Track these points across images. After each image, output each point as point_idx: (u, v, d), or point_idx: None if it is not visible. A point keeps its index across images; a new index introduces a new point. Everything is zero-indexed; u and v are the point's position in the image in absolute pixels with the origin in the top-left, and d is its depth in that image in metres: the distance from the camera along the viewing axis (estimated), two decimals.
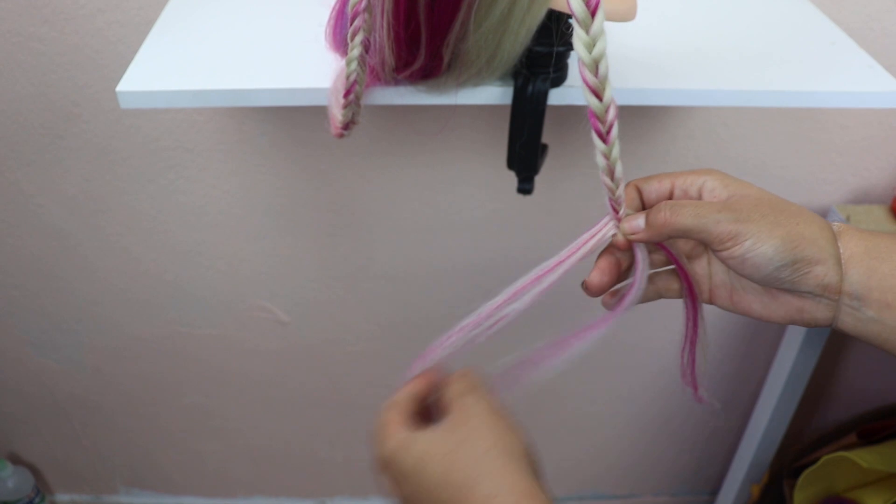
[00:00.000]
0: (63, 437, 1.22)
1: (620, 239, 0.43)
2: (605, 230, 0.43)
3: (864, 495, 0.95)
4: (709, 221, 0.39)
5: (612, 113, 0.36)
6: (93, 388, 1.12)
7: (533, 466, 0.40)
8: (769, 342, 1.05)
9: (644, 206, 0.45)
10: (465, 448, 0.39)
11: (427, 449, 0.40)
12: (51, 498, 1.33)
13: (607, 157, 0.38)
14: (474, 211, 0.88)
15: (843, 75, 0.55)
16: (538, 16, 0.46)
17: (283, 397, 1.13)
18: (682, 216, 0.40)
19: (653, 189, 0.44)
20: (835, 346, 1.05)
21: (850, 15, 0.73)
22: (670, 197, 0.44)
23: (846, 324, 0.41)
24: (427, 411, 0.44)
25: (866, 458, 0.89)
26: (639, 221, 0.42)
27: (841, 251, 0.40)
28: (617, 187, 0.40)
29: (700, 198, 0.43)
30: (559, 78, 0.52)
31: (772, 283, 0.41)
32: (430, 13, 0.45)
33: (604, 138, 0.37)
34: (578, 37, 0.34)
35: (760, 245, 0.38)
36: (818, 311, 0.41)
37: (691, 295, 0.45)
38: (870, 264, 0.39)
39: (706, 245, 0.41)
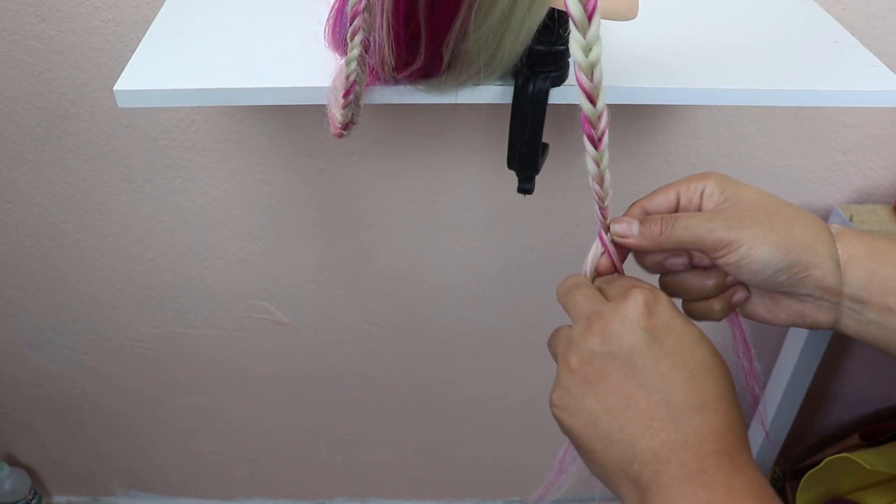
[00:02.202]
0: (60, 438, 1.21)
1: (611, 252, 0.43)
2: (594, 249, 0.43)
3: (866, 497, 0.94)
4: (701, 232, 0.40)
5: (604, 119, 0.36)
6: (90, 389, 1.12)
7: (729, 386, 0.39)
8: (772, 344, 1.05)
9: None
10: (725, 378, 0.37)
11: (706, 340, 0.37)
12: (48, 500, 1.33)
13: (598, 163, 0.38)
14: (474, 210, 0.88)
15: (846, 74, 0.55)
16: (539, 15, 0.46)
17: (282, 398, 1.12)
18: (675, 229, 0.40)
19: (658, 203, 0.44)
20: (837, 347, 1.05)
21: (852, 13, 0.72)
22: (676, 208, 0.44)
23: (848, 327, 0.41)
24: None
25: (869, 459, 0.88)
26: (632, 227, 0.42)
27: (839, 254, 0.40)
28: (606, 195, 0.40)
29: (700, 204, 0.43)
30: (560, 77, 0.52)
31: (772, 287, 0.41)
32: (430, 12, 0.45)
33: (595, 144, 0.37)
34: (575, 40, 0.34)
35: (755, 251, 0.39)
36: (819, 314, 0.41)
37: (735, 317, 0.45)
38: (869, 267, 0.39)
39: (703, 253, 0.42)
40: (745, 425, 0.37)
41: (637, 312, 0.36)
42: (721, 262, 0.40)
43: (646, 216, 0.43)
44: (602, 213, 0.41)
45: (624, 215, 0.44)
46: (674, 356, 0.36)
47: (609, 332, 0.37)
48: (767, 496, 0.33)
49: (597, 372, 0.36)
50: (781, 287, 0.40)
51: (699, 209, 0.43)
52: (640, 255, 0.45)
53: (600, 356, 0.37)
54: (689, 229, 0.40)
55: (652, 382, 0.35)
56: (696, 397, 0.35)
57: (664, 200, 0.44)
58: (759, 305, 0.44)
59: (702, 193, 0.43)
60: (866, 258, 0.39)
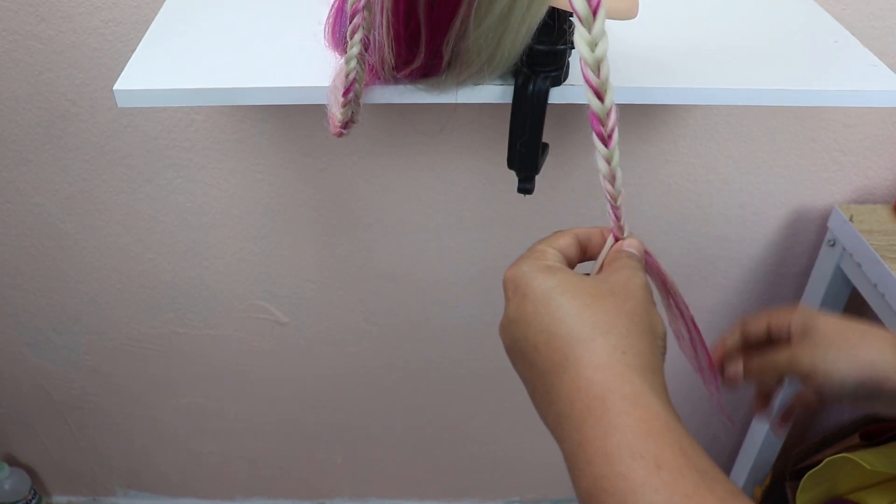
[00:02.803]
0: (60, 438, 1.21)
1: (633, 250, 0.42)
2: (606, 249, 0.42)
3: (867, 497, 0.94)
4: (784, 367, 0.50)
5: (614, 115, 0.35)
6: (90, 389, 1.12)
7: (663, 351, 0.36)
8: None
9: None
10: (612, 300, 0.35)
11: (572, 281, 0.36)
12: (48, 500, 1.33)
13: (609, 160, 0.37)
14: (474, 210, 0.88)
15: (846, 74, 0.55)
16: (539, 14, 0.46)
17: (281, 398, 1.12)
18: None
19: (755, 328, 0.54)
20: None
21: (852, 13, 0.72)
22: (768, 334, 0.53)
23: None
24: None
25: (869, 459, 0.88)
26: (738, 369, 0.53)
27: None
28: (619, 194, 0.39)
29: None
30: (560, 77, 0.52)
31: (861, 403, 0.49)
32: (430, 11, 0.45)
33: (605, 141, 0.36)
34: (581, 36, 0.33)
35: (829, 378, 0.47)
36: None
37: (667, 292, 0.44)
38: None
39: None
40: (645, 337, 0.34)
41: (508, 301, 0.37)
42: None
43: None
44: (615, 213, 0.40)
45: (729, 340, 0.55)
46: (533, 323, 0.35)
47: (502, 330, 0.38)
48: (655, 429, 0.30)
49: (515, 367, 0.38)
50: (866, 401, 0.47)
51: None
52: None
53: (509, 354, 0.38)
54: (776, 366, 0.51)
55: (532, 357, 0.35)
56: (558, 355, 0.33)
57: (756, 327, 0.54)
58: None
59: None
60: None
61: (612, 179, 0.38)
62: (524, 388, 0.38)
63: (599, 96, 0.35)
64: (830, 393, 0.47)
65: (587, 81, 0.34)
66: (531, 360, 0.35)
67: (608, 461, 0.30)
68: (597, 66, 0.34)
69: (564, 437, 0.32)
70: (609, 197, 0.39)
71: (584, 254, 0.41)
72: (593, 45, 0.33)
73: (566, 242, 0.40)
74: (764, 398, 0.58)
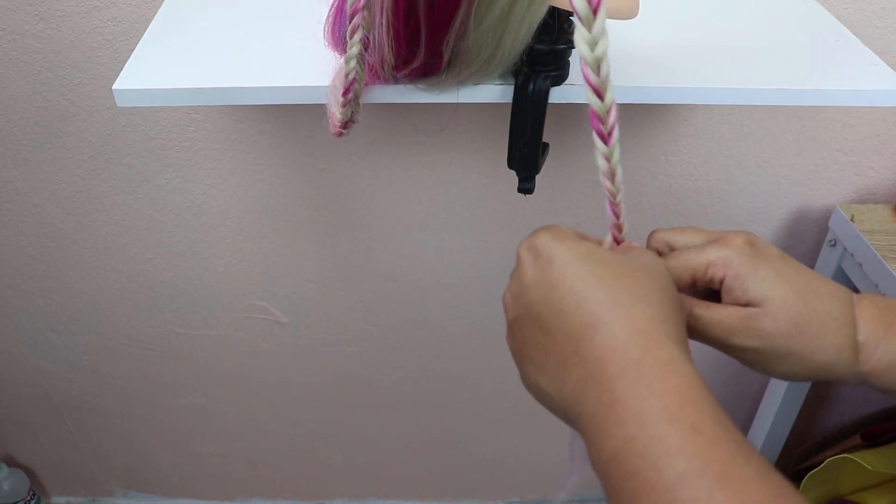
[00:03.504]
0: (59, 439, 1.21)
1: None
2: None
3: (868, 497, 0.94)
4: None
5: (613, 114, 0.35)
6: (89, 390, 1.12)
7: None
8: None
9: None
10: (645, 274, 0.34)
11: (600, 251, 0.35)
12: (47, 500, 1.33)
13: (609, 158, 0.37)
14: (474, 210, 0.88)
15: (847, 73, 0.55)
16: (539, 13, 0.46)
17: (281, 398, 1.12)
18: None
19: (686, 241, 0.43)
20: None
21: (854, 12, 0.72)
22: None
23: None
24: None
25: (870, 460, 0.88)
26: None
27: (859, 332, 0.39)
28: (618, 192, 0.39)
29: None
30: (560, 76, 0.51)
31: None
32: (430, 10, 0.45)
33: (605, 140, 0.36)
34: (581, 35, 0.33)
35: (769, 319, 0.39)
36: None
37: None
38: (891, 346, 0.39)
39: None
40: (677, 313, 0.34)
41: (525, 267, 0.36)
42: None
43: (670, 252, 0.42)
44: (614, 211, 0.40)
45: (648, 245, 0.44)
46: (560, 286, 0.34)
47: (512, 299, 0.37)
48: (691, 397, 0.29)
49: (519, 339, 0.36)
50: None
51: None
52: None
53: (515, 324, 0.37)
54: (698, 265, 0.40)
55: (552, 322, 0.34)
56: (590, 317, 0.32)
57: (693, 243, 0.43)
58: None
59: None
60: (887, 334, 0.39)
61: (611, 177, 0.38)
62: (524, 387, 0.37)
63: (599, 95, 0.35)
64: (768, 375, 0.41)
65: (587, 80, 0.34)
66: (550, 326, 0.34)
67: (642, 424, 0.29)
68: (597, 65, 0.34)
69: (587, 399, 0.31)
70: (609, 194, 0.39)
71: None
72: (593, 45, 0.33)
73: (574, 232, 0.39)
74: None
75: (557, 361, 0.33)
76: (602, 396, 0.31)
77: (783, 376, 0.40)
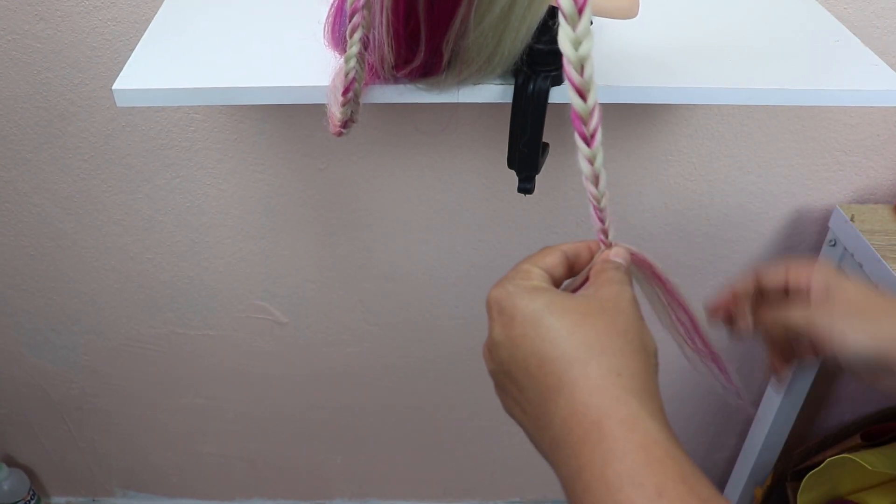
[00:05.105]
0: (59, 439, 1.21)
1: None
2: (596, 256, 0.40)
3: (868, 498, 0.94)
4: (800, 324, 0.48)
5: (596, 115, 0.34)
6: (89, 390, 1.12)
7: (656, 370, 0.35)
8: None
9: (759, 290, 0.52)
10: (603, 319, 0.34)
11: (559, 301, 0.35)
12: (46, 500, 1.33)
13: (592, 161, 0.36)
14: (474, 210, 0.88)
15: (847, 73, 0.55)
16: (539, 13, 0.46)
17: (281, 398, 1.12)
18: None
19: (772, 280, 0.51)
20: None
21: (854, 12, 0.72)
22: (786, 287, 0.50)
23: None
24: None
25: (870, 460, 0.88)
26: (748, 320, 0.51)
27: None
28: (602, 196, 0.37)
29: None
30: (560, 76, 0.51)
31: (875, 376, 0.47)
32: (430, 9, 0.45)
33: (588, 142, 0.35)
34: (565, 33, 0.32)
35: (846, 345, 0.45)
36: None
37: (664, 291, 0.43)
38: None
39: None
40: (638, 357, 0.33)
41: (493, 323, 0.36)
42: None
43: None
44: (598, 216, 0.38)
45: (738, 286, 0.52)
46: (522, 345, 0.34)
47: (488, 353, 0.37)
48: (656, 456, 0.29)
49: (500, 390, 0.37)
50: (876, 376, 0.45)
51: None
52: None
53: (494, 377, 0.37)
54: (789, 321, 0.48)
55: (522, 381, 0.34)
56: (552, 378, 0.32)
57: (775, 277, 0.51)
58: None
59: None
60: None
61: (595, 181, 0.37)
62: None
63: (582, 95, 0.34)
64: (843, 361, 0.45)
65: (569, 80, 0.33)
66: (521, 385, 0.34)
67: (608, 489, 0.29)
68: (580, 65, 0.33)
69: (561, 463, 0.32)
70: (592, 199, 0.38)
71: (572, 271, 0.40)
72: (577, 44, 0.32)
73: (553, 261, 0.39)
74: (777, 356, 0.54)
75: (533, 419, 0.34)
76: (571, 462, 0.31)
77: (847, 344, 0.45)
